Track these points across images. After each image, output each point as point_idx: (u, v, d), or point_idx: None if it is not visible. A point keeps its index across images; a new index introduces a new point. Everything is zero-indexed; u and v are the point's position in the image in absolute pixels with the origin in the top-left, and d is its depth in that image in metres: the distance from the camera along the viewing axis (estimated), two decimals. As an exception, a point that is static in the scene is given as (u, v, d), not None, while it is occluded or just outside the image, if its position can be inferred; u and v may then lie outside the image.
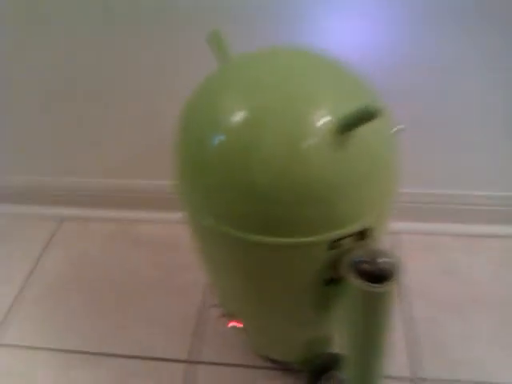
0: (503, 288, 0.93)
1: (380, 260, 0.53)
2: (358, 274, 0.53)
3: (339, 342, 0.71)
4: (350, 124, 0.48)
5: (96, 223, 1.13)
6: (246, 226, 0.53)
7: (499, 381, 0.79)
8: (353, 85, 0.56)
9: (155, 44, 0.88)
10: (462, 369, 0.81)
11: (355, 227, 0.53)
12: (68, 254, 1.06)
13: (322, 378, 0.72)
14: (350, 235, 0.54)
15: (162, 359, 0.85)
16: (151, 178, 1.08)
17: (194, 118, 0.56)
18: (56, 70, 0.95)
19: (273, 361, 0.82)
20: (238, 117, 0.52)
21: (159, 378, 0.82)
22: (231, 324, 0.71)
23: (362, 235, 0.55)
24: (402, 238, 1.03)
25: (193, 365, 0.84)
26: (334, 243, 0.54)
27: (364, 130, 0.49)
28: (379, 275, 0.52)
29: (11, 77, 0.97)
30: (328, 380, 0.73)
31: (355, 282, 0.52)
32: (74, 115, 1.01)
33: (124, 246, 1.07)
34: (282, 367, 0.81)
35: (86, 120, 1.02)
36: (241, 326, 0.71)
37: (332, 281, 0.58)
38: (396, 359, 0.82)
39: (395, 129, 0.57)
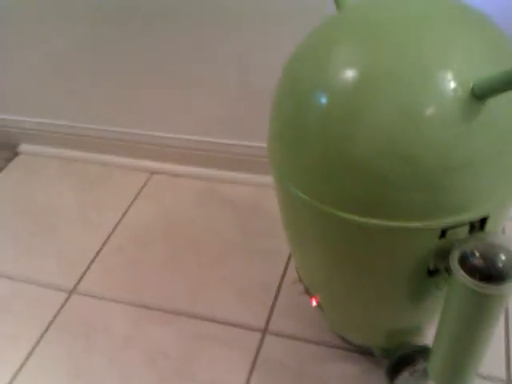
0: None
1: (496, 256, 0.45)
2: (469, 270, 0.45)
3: (428, 334, 0.64)
4: (490, 89, 0.39)
5: (184, 179, 1.12)
6: (345, 204, 0.47)
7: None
8: (496, 44, 0.46)
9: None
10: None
11: (472, 215, 0.46)
12: (155, 208, 1.07)
13: (405, 370, 0.66)
14: (465, 223, 0.46)
15: (236, 325, 0.83)
16: (242, 139, 1.05)
17: (297, 72, 0.50)
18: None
19: (350, 343, 0.77)
20: (347, 74, 0.45)
21: (231, 344, 0.81)
22: (313, 303, 0.67)
23: (478, 224, 0.47)
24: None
25: (267, 335, 0.81)
26: (446, 231, 0.46)
27: (501, 99, 0.40)
28: (493, 274, 0.45)
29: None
30: (412, 373, 0.67)
31: (464, 280, 0.45)
32: (164, 72, 1.00)
33: (209, 205, 1.06)
34: (359, 350, 0.76)
35: (176, 75, 1.00)
36: (317, 301, 0.66)
37: (436, 272, 0.51)
38: (492, 358, 0.74)
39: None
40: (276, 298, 0.86)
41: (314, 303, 0.66)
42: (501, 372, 0.73)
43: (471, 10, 0.48)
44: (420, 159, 0.42)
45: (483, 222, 0.47)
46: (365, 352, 0.76)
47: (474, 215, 0.45)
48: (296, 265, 0.68)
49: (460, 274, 0.45)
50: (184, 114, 1.06)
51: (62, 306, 0.89)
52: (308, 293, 0.68)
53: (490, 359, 0.73)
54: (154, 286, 0.91)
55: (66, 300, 0.90)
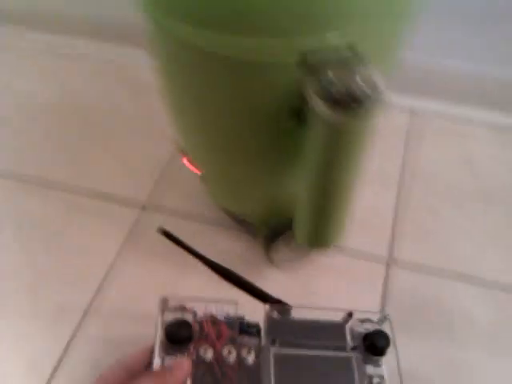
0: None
1: (356, 84, 0.39)
2: (328, 101, 0.40)
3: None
4: None
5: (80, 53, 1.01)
6: (194, 18, 0.40)
7: (481, 275, 0.69)
8: None
9: None
10: (444, 259, 0.71)
11: (333, 36, 0.40)
12: (46, 78, 0.96)
13: (280, 241, 0.63)
14: (327, 47, 0.40)
15: (117, 200, 0.77)
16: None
17: None
18: None
19: (234, 218, 0.73)
20: None
21: (108, 217, 0.75)
22: (185, 161, 0.61)
23: (349, 55, 0.41)
24: (419, 118, 0.89)
25: (148, 209, 0.76)
26: (306, 56, 0.40)
27: None
28: (352, 103, 0.40)
29: None
30: (287, 244, 0.64)
31: (320, 109, 0.39)
32: None
33: (107, 82, 0.96)
34: (243, 228, 0.73)
35: None
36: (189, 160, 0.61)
37: (299, 117, 0.46)
38: (377, 235, 0.73)
39: None
40: (164, 174, 0.80)
41: (186, 162, 0.60)
42: (382, 250, 0.72)
43: None
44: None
45: (355, 54, 0.41)
46: (248, 229, 0.72)
47: (334, 37, 0.39)
48: (170, 122, 0.61)
49: (316, 102, 0.39)
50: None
51: None
52: (182, 152, 0.62)
53: (374, 237, 0.73)
54: (31, 158, 0.83)
55: None
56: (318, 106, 0.39)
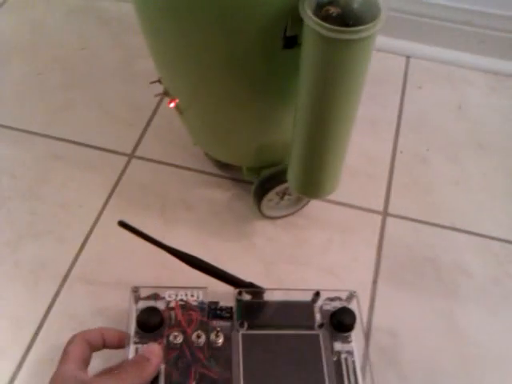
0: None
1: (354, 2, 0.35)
2: (326, 20, 0.36)
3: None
4: None
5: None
6: None
7: (473, 229, 0.67)
8: None
9: None
10: (436, 212, 0.68)
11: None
12: (20, 20, 0.90)
13: (271, 190, 0.60)
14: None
15: (100, 148, 0.73)
16: None
17: None
18: None
19: (222, 167, 0.70)
20: None
21: (92, 167, 0.71)
22: (172, 104, 0.57)
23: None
24: (413, 63, 0.85)
25: (133, 159, 0.72)
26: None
27: None
28: (350, 22, 0.36)
29: None
30: (278, 193, 0.61)
31: (316, 28, 0.35)
32: None
33: (85, 22, 0.90)
34: (231, 177, 0.69)
35: None
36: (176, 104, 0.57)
37: (293, 42, 0.42)
38: (372, 186, 0.70)
39: None
40: (149, 122, 0.76)
41: (172, 105, 0.56)
42: (378, 205, 0.69)
43: None
44: None
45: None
46: (237, 179, 0.69)
47: None
48: (155, 64, 0.57)
49: (311, 21, 0.35)
50: None
51: None
52: (167, 94, 0.58)
53: (369, 188, 0.70)
54: (6, 109, 0.78)
55: None
56: (315, 25, 0.35)
